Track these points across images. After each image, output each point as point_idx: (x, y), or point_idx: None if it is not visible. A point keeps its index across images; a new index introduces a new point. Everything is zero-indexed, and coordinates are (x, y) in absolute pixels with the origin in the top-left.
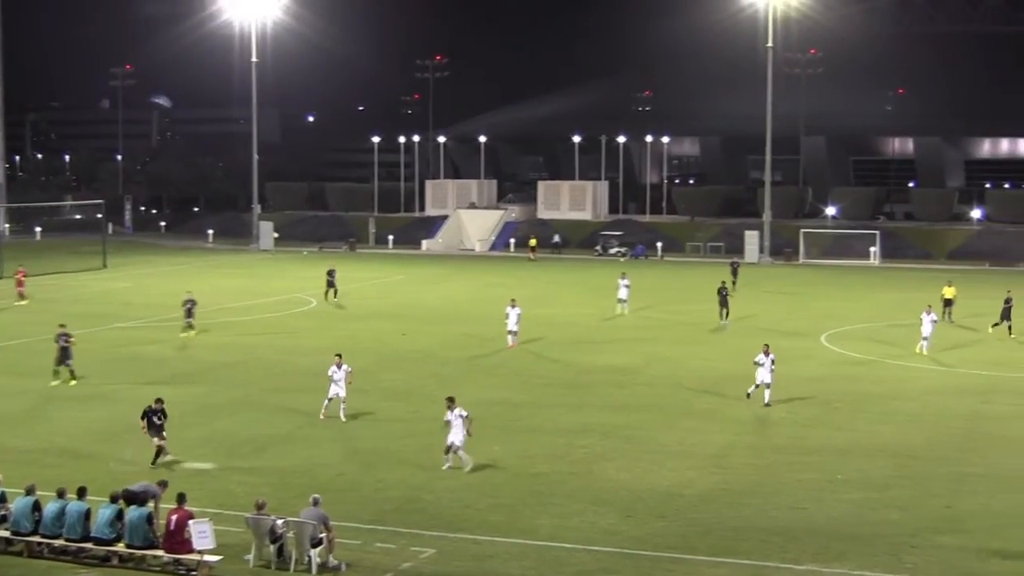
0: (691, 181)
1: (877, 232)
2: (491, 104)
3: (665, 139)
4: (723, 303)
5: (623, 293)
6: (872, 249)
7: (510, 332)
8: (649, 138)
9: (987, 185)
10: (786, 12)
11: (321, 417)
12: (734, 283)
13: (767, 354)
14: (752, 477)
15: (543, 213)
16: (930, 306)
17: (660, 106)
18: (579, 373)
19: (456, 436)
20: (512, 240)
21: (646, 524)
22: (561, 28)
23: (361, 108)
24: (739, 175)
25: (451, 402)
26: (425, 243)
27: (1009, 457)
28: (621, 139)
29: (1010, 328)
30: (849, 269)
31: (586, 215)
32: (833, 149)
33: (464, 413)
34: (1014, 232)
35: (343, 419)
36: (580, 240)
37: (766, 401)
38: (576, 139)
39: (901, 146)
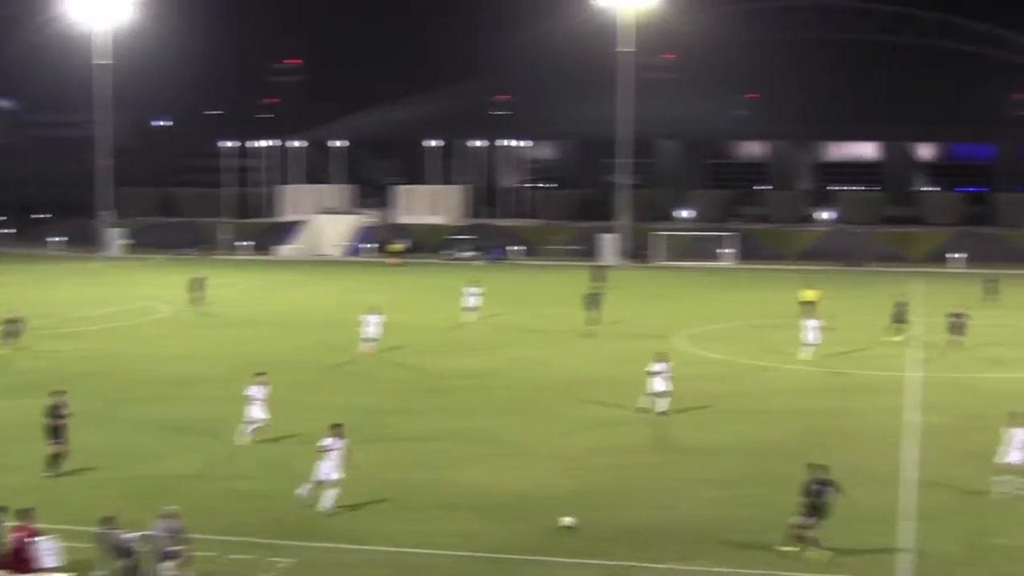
0: (549, 185)
1: (732, 234)
2: (348, 108)
3: (523, 143)
4: (594, 306)
5: (471, 302)
6: (727, 251)
7: (366, 340)
8: (507, 142)
9: (836, 187)
10: (642, 17)
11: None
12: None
13: (662, 361)
14: (612, 478)
15: (401, 217)
16: (812, 311)
17: (518, 110)
18: (438, 378)
19: (331, 471)
20: (369, 245)
21: (506, 527)
22: (419, 32)
23: (217, 112)
24: (596, 179)
25: (337, 429)
26: (282, 248)
27: (862, 453)
28: (479, 143)
29: (901, 332)
30: (705, 271)
31: (444, 219)
32: (688, 153)
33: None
34: (862, 233)
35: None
36: (437, 244)
37: (662, 409)
38: (434, 143)
39: (754, 149)
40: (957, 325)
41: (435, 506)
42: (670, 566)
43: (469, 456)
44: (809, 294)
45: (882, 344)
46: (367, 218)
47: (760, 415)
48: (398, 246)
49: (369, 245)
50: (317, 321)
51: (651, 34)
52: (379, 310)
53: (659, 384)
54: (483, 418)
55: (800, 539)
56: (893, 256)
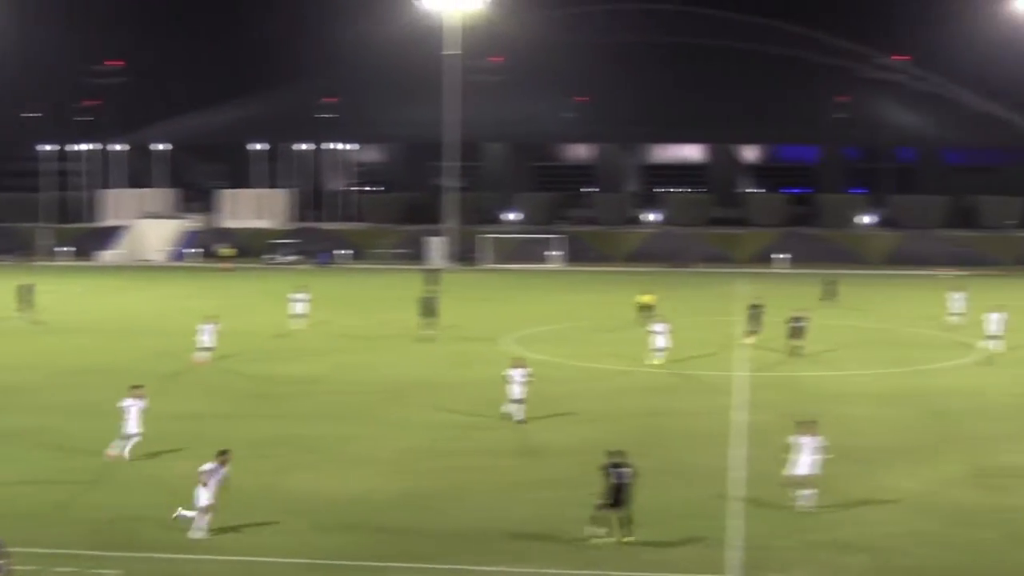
0: (375, 188)
1: (559, 236)
2: (171, 111)
3: (349, 146)
4: (429, 311)
5: (298, 308)
6: (553, 252)
7: (202, 348)
8: (333, 145)
9: (662, 189)
10: (468, 20)
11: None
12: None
13: (519, 368)
14: (440, 481)
15: (226, 222)
16: (652, 316)
17: (344, 113)
18: (266, 384)
19: (204, 497)
20: (194, 250)
21: (336, 534)
22: (243, 34)
23: (34, 114)
24: (423, 182)
25: (223, 455)
26: (104, 254)
27: (687, 452)
28: (304, 146)
29: (756, 334)
30: (533, 273)
31: (270, 223)
32: (515, 155)
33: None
34: (688, 234)
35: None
36: (262, 249)
37: (519, 418)
38: (259, 146)
39: (581, 152)
40: (797, 329)
41: (265, 513)
42: (503, 568)
43: (299, 463)
44: (647, 298)
45: (714, 344)
46: (191, 223)
47: (591, 416)
48: (229, 251)
49: (193, 250)
50: (143, 328)
51: (478, 37)
52: (215, 318)
53: (516, 391)
54: (312, 424)
55: (597, 522)
56: (719, 257)
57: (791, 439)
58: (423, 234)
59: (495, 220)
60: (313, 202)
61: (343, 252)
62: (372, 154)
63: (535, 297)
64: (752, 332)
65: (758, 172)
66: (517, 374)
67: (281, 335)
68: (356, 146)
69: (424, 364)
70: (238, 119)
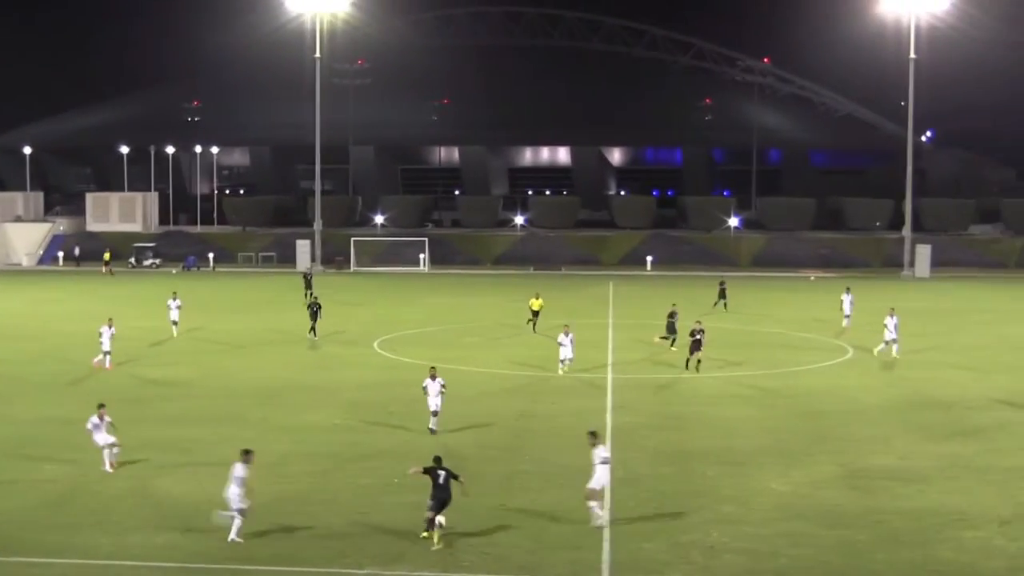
0: (242, 191)
1: (426, 239)
2: (36, 114)
3: (214, 149)
4: (313, 317)
5: (175, 315)
6: (422, 256)
7: (105, 352)
8: (198, 148)
9: (529, 192)
10: (333, 23)
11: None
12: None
13: (433, 379)
14: (310, 484)
15: (92, 226)
16: (567, 327)
17: (209, 116)
18: (135, 387)
19: (238, 500)
20: (60, 253)
21: (205, 537)
22: (106, 37)
23: None
24: (290, 185)
25: (247, 455)
26: None
27: (554, 452)
28: (170, 149)
29: (674, 341)
30: (400, 276)
31: (136, 227)
32: (381, 158)
33: None
34: (555, 237)
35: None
36: (129, 253)
37: (433, 427)
38: (124, 150)
39: (447, 155)
40: (696, 342)
41: (133, 517)
42: (369, 571)
43: (167, 466)
44: (536, 304)
45: (589, 347)
46: (57, 226)
47: (456, 418)
48: (108, 255)
49: (60, 253)
50: (10, 332)
51: (343, 40)
52: (111, 321)
53: (432, 402)
54: (180, 428)
55: (429, 525)
56: (587, 259)
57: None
58: (291, 237)
59: (363, 223)
60: (180, 205)
61: (210, 255)
62: (238, 157)
63: (402, 300)
64: (665, 339)
65: (624, 174)
66: (432, 383)
67: (159, 342)
68: (221, 149)
69: (292, 368)
70: (102, 122)
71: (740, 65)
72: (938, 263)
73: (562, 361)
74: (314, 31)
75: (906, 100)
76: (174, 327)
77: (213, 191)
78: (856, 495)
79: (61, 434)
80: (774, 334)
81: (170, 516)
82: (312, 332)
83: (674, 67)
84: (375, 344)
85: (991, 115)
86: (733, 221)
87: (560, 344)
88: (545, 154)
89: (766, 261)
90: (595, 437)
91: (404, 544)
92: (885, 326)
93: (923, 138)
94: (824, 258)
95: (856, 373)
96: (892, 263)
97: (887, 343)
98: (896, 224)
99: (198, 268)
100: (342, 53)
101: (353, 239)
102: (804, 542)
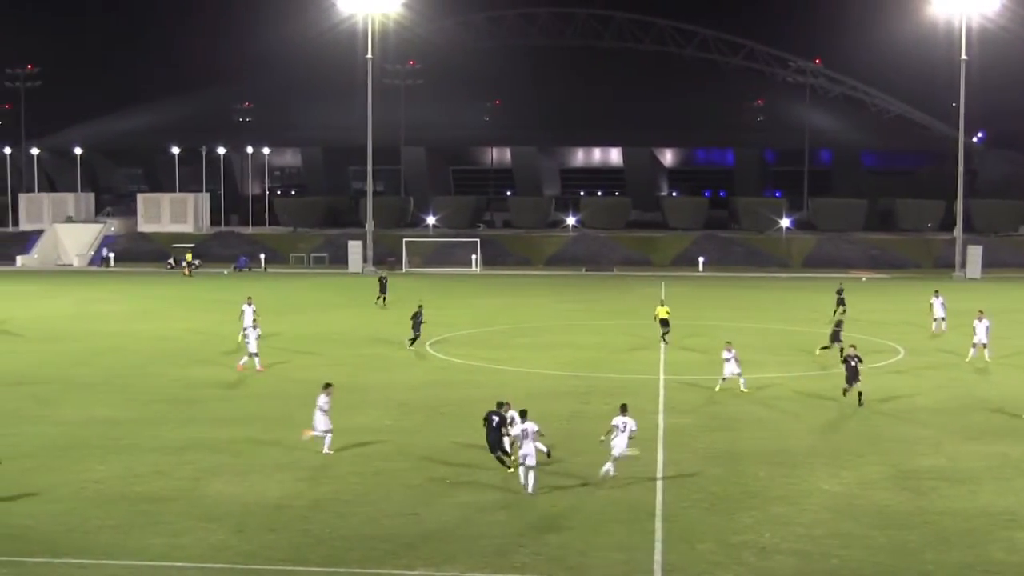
0: (293, 192)
1: (477, 240)
2: (86, 115)
3: (266, 150)
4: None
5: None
6: (473, 256)
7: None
8: (250, 149)
9: (581, 193)
10: (384, 24)
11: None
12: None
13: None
14: (360, 486)
15: (143, 226)
16: (729, 343)
17: (260, 117)
18: (184, 388)
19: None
20: (112, 254)
21: (257, 538)
22: (156, 38)
23: None
24: (341, 186)
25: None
26: (20, 259)
27: (605, 455)
28: (221, 150)
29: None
30: (452, 277)
31: (188, 227)
32: (433, 159)
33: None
34: (606, 237)
35: None
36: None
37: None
38: (175, 150)
39: (499, 156)
40: (853, 369)
41: (185, 518)
42: (421, 572)
43: (216, 467)
44: (663, 311)
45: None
46: (109, 227)
47: None
48: (189, 255)
49: (111, 254)
50: (62, 332)
51: (395, 41)
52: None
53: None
54: (229, 428)
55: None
56: (638, 260)
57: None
58: (343, 238)
59: (415, 224)
60: (231, 206)
61: (262, 256)
62: (289, 158)
63: (454, 301)
64: (828, 348)
65: (676, 175)
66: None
67: (209, 340)
68: (272, 150)
69: (345, 368)
70: (154, 123)
71: (791, 66)
72: (988, 264)
73: (723, 378)
74: (365, 32)
75: (957, 101)
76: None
77: (264, 192)
78: (906, 496)
79: (109, 434)
80: (825, 335)
81: (221, 517)
82: (411, 342)
83: (725, 68)
84: (427, 344)
85: None
86: (784, 222)
87: (725, 360)
88: (597, 155)
89: (817, 262)
90: (624, 410)
91: (455, 545)
92: (974, 329)
93: (974, 139)
94: (875, 259)
95: (907, 374)
96: (943, 264)
97: (975, 346)
98: (947, 225)
99: (249, 269)
100: (393, 54)
101: (405, 240)
102: (855, 543)
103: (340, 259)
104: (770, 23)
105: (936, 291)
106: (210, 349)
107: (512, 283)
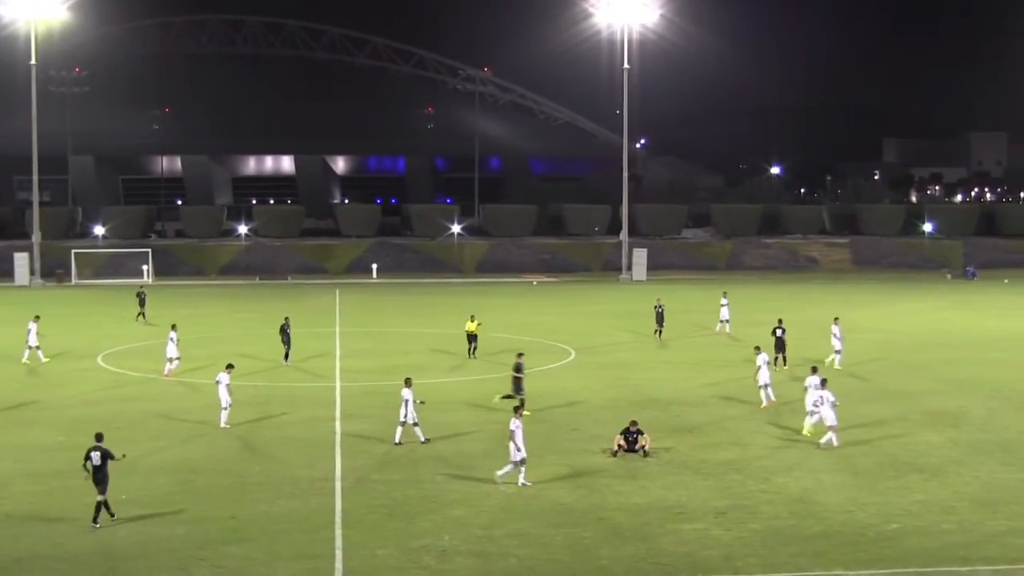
0: None
1: (149, 250)
2: None
3: None
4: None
5: None
6: (144, 267)
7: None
8: None
9: (253, 201)
10: (49, 30)
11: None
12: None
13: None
14: (33, 505)
15: None
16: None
17: None
18: None
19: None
20: None
21: None
22: None
23: None
24: (5, 196)
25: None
26: None
27: (284, 464)
28: None
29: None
30: (123, 288)
31: None
32: (102, 168)
33: None
34: (280, 246)
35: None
36: None
37: (422, 439)
38: None
39: (169, 164)
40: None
41: None
42: None
43: None
44: (472, 326)
45: (314, 357)
46: None
47: (183, 432)
48: None
49: None
50: None
51: (61, 47)
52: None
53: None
54: None
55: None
56: (314, 268)
57: None
58: (9, 250)
59: (84, 234)
60: None
61: None
62: None
63: (125, 313)
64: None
65: (348, 183)
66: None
67: None
68: None
69: (11, 385)
70: None
71: (461, 74)
72: (654, 266)
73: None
74: (28, 37)
75: (621, 109)
76: None
77: None
78: (581, 493)
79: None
80: (499, 338)
81: None
82: (286, 356)
83: (397, 76)
84: (99, 358)
85: (701, 124)
86: (456, 228)
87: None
88: (269, 163)
89: (490, 267)
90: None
91: (131, 561)
92: (833, 335)
93: (637, 146)
94: (546, 263)
95: (579, 375)
96: (611, 267)
97: (837, 353)
98: (614, 229)
99: None
100: (58, 60)
101: (74, 251)
102: (532, 542)
103: (6, 272)
104: (440, 32)
105: (724, 292)
106: None
107: (186, 293)
